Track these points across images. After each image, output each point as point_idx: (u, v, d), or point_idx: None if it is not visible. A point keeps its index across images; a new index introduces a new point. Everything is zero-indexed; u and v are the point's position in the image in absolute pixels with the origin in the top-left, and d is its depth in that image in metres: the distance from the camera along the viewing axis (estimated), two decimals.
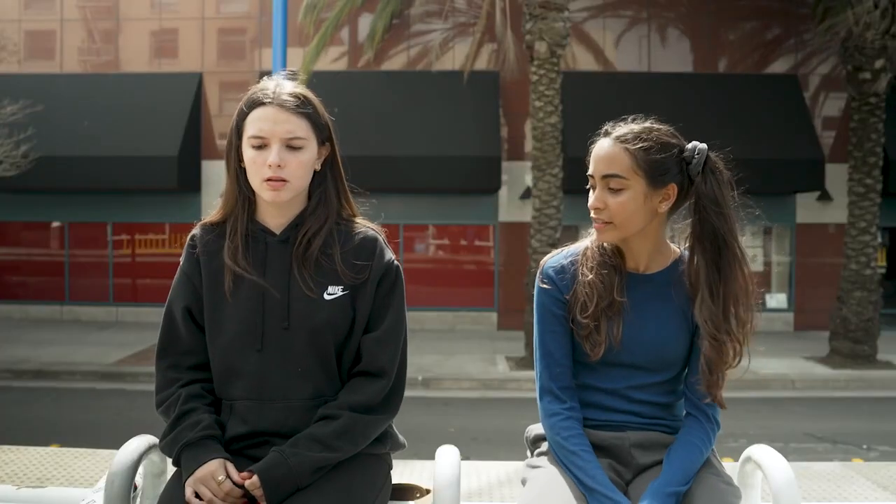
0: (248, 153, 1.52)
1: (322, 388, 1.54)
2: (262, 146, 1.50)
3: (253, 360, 1.52)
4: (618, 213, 1.52)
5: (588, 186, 1.59)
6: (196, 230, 1.63)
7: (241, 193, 1.58)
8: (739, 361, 1.53)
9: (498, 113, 11.58)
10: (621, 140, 1.53)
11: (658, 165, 1.52)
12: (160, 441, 1.54)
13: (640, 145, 1.51)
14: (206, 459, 1.44)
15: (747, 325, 1.53)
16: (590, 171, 1.57)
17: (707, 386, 1.53)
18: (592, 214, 1.56)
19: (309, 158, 1.54)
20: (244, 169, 1.56)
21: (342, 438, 1.47)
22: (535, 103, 8.90)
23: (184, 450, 1.47)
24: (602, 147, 1.55)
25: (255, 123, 1.51)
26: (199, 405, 1.53)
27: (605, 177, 1.53)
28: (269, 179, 1.49)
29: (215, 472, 1.41)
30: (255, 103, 1.52)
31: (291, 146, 1.51)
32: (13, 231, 12.88)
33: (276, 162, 1.48)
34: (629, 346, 1.57)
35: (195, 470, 1.43)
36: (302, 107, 1.52)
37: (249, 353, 1.52)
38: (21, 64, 12.58)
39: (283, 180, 1.50)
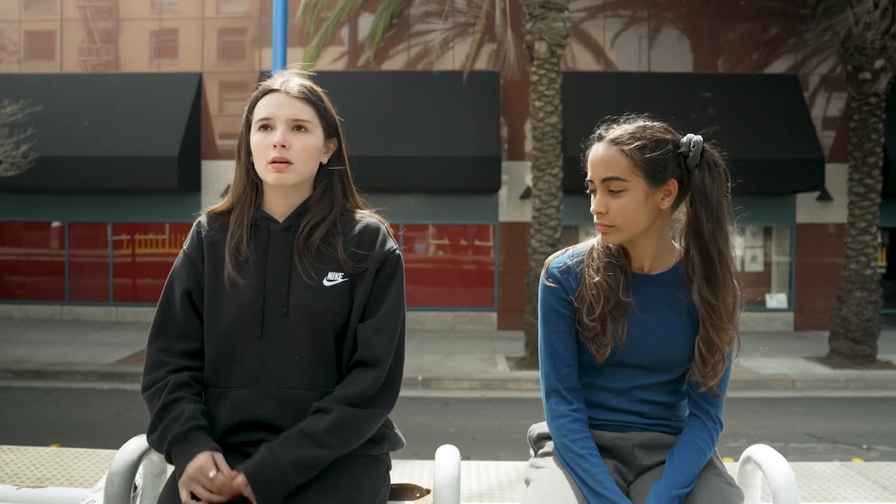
0: (254, 138, 1.56)
1: (319, 378, 1.53)
2: (268, 127, 1.55)
3: (252, 347, 1.52)
4: (620, 215, 1.52)
5: (588, 191, 1.60)
6: (202, 217, 1.66)
7: (250, 183, 1.61)
8: (731, 345, 1.54)
9: (498, 113, 11.58)
10: (616, 142, 1.53)
11: (655, 163, 1.52)
12: (148, 435, 1.51)
13: (636, 145, 1.52)
14: (194, 453, 1.41)
15: (737, 317, 1.55)
16: (588, 177, 1.58)
17: (702, 375, 1.53)
18: (595, 219, 1.57)
19: (314, 143, 1.57)
20: (251, 159, 1.60)
21: (334, 435, 1.45)
22: (535, 103, 8.89)
23: (172, 445, 1.45)
24: (598, 151, 1.56)
25: (264, 108, 1.56)
26: (186, 394, 1.51)
27: (605, 180, 1.54)
28: (273, 161, 1.52)
29: (204, 467, 1.39)
30: (264, 92, 1.58)
31: (297, 128, 1.55)
32: (13, 231, 12.88)
33: (281, 141, 1.51)
34: (634, 346, 1.57)
35: (185, 466, 1.41)
36: (308, 94, 1.58)
37: (249, 340, 1.52)
38: (21, 64, 12.58)
39: (288, 162, 1.52)
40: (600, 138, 1.57)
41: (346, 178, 1.67)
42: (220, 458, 1.42)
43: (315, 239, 1.55)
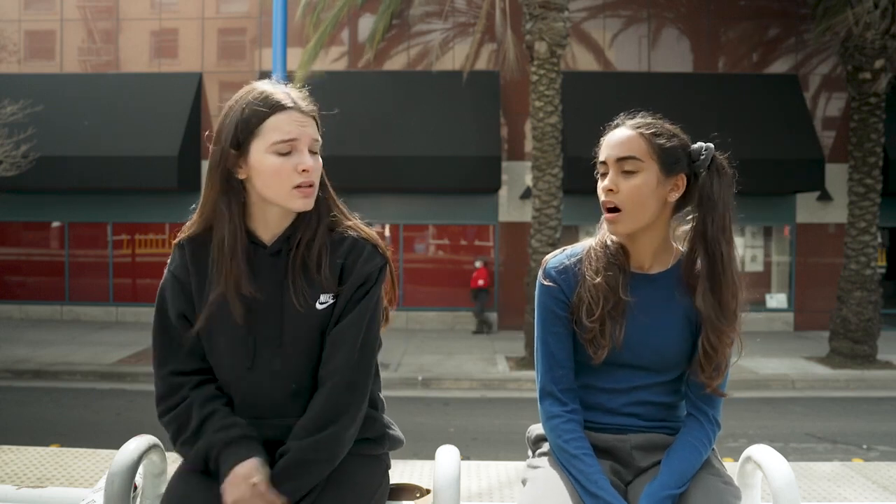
0: (271, 161, 1.43)
1: None
2: (288, 152, 1.44)
3: (245, 379, 1.49)
4: (630, 196, 1.52)
5: (597, 175, 1.60)
6: (183, 241, 1.56)
7: (232, 205, 1.48)
8: (733, 347, 1.55)
9: (498, 113, 11.58)
10: (636, 127, 1.56)
11: (670, 153, 1.55)
12: (182, 445, 1.46)
13: (654, 131, 1.55)
14: (249, 456, 1.39)
15: (739, 319, 1.56)
16: (601, 158, 1.58)
17: (707, 377, 1.53)
18: (603, 198, 1.55)
19: (321, 162, 1.52)
20: (238, 179, 1.47)
21: (307, 468, 1.41)
22: (535, 103, 8.89)
23: (224, 449, 1.41)
24: (616, 133, 1.57)
25: (282, 128, 1.43)
26: (220, 406, 1.48)
27: (620, 160, 1.54)
28: (299, 186, 1.44)
29: (248, 473, 1.36)
30: (275, 107, 1.44)
31: (313, 150, 1.48)
32: (13, 231, 12.89)
33: (312, 166, 1.45)
34: (632, 346, 1.57)
35: (231, 470, 1.37)
36: (316, 110, 1.51)
37: (241, 371, 1.49)
38: (21, 64, 12.58)
39: (313, 185, 1.47)
40: (617, 126, 1.60)
41: (327, 185, 1.57)
42: (266, 471, 1.39)
43: (311, 261, 1.48)
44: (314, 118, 1.49)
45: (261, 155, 1.44)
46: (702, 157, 1.56)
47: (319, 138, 1.50)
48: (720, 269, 1.53)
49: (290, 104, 1.45)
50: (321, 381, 1.48)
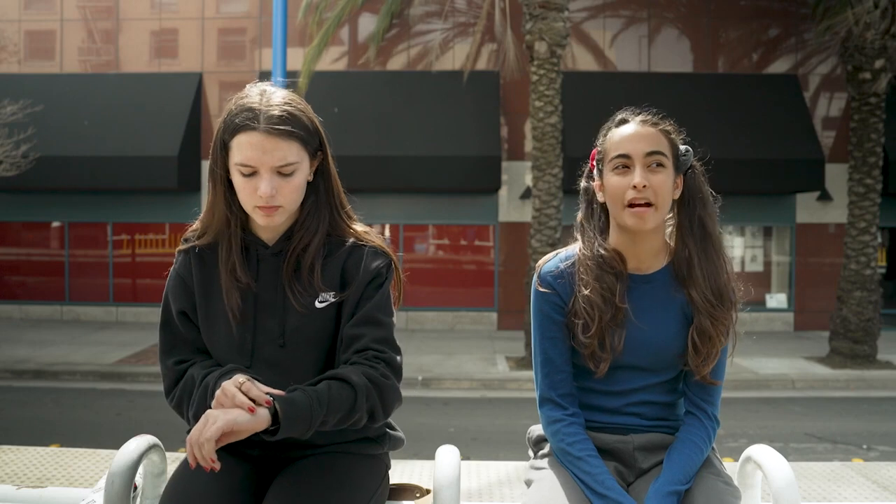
0: (236, 178, 1.45)
1: None
2: (251, 174, 1.43)
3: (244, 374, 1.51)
4: (660, 191, 1.50)
5: (600, 169, 1.58)
6: (187, 246, 1.58)
7: (231, 210, 1.52)
8: (727, 339, 1.55)
9: (498, 113, 11.58)
10: (655, 124, 1.55)
11: (679, 152, 1.57)
12: (189, 408, 1.47)
13: (670, 129, 1.57)
14: (233, 374, 1.36)
15: (733, 310, 1.56)
16: (622, 151, 1.51)
17: (695, 364, 1.53)
18: (634, 196, 1.48)
19: (302, 179, 1.48)
20: (230, 181, 1.49)
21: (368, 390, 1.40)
22: (535, 103, 8.89)
23: (218, 382, 1.40)
24: (637, 129, 1.53)
25: (243, 151, 1.42)
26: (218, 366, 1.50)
27: (649, 154, 1.51)
28: (260, 206, 1.44)
29: (237, 379, 1.31)
30: (239, 127, 1.42)
31: (283, 172, 1.43)
32: (13, 231, 12.88)
33: (269, 193, 1.41)
34: (632, 348, 1.56)
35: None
36: (292, 128, 1.43)
37: (240, 366, 1.50)
38: (21, 64, 12.58)
39: (277, 206, 1.45)
40: (623, 122, 1.57)
41: (333, 188, 1.56)
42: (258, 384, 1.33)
43: (304, 264, 1.49)
44: (288, 135, 1.42)
45: (232, 167, 1.46)
46: (687, 156, 1.59)
47: (294, 159, 1.43)
48: (713, 258, 1.55)
49: (255, 125, 1.40)
50: (362, 350, 1.45)
